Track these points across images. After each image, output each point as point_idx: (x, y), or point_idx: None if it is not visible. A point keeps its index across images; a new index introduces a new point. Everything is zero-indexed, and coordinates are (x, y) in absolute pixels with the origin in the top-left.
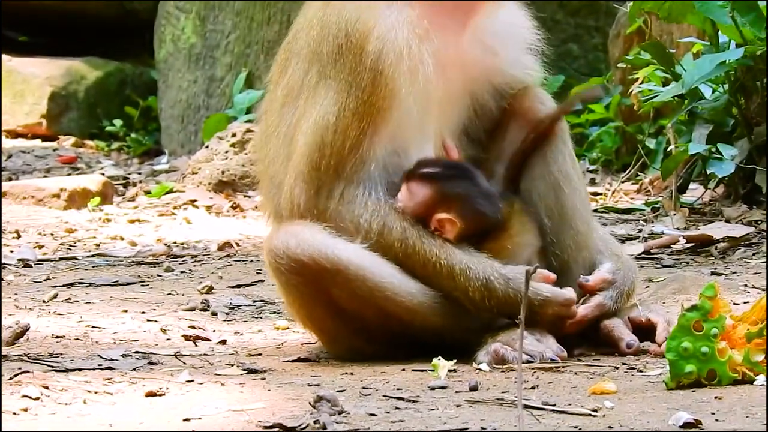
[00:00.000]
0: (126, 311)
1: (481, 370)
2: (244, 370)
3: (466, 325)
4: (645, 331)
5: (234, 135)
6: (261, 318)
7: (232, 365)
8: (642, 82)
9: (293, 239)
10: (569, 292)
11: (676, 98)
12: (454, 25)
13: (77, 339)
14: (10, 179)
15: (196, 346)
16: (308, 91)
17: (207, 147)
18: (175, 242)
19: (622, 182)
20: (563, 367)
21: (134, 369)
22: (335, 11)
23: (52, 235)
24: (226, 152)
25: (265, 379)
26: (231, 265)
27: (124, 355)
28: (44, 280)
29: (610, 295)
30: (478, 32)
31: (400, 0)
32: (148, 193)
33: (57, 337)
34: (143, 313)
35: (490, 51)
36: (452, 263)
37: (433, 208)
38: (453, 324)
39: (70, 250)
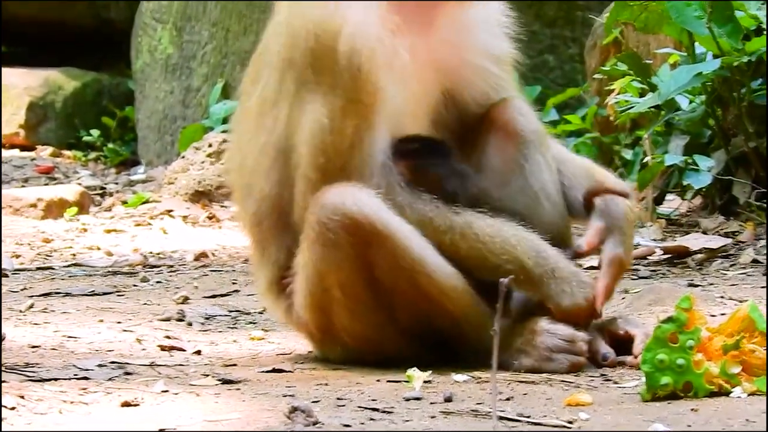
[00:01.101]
0: (102, 321)
1: (456, 381)
2: (219, 380)
3: (489, 320)
4: (623, 343)
5: (210, 145)
6: (236, 328)
7: (207, 375)
8: (618, 93)
9: (350, 197)
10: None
11: (652, 109)
12: (422, 21)
13: (53, 349)
14: None
15: (172, 356)
16: (288, 98)
17: (183, 157)
18: (151, 252)
19: None
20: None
21: (110, 379)
22: (299, 15)
23: (29, 244)
24: (203, 162)
25: (240, 389)
26: (207, 275)
27: (99, 365)
28: (21, 290)
29: (613, 242)
30: (449, 27)
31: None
32: (124, 203)
33: (33, 346)
34: (119, 323)
35: (461, 46)
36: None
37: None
38: (479, 313)
39: (47, 259)
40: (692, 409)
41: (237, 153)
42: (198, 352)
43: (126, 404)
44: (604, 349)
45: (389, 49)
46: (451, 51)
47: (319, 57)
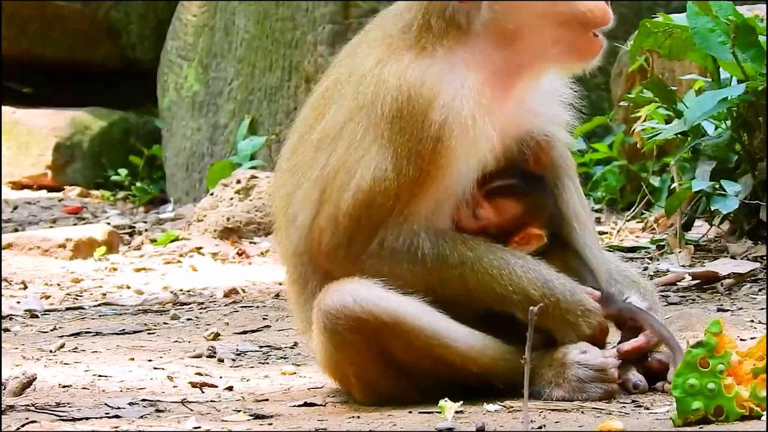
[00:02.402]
0: (133, 359)
1: (488, 411)
2: (251, 415)
3: (515, 365)
4: (655, 373)
5: (239, 182)
6: (267, 363)
7: (239, 411)
8: (645, 120)
9: (349, 297)
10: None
11: (678, 135)
12: (504, 89)
13: (84, 388)
14: (16, 230)
15: (203, 392)
16: (351, 141)
17: (212, 194)
18: (181, 290)
19: (627, 221)
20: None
21: (141, 417)
22: (395, 72)
23: (59, 285)
24: (231, 199)
25: (272, 424)
26: (237, 311)
27: (131, 403)
28: (51, 330)
29: (659, 319)
30: (523, 94)
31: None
32: (153, 241)
33: (64, 386)
34: (150, 360)
35: (532, 112)
36: (512, 270)
37: (525, 222)
38: (502, 363)
39: (77, 299)
40: None
41: (287, 180)
42: (229, 388)
43: None
44: (635, 377)
45: (480, 127)
46: (523, 119)
47: (406, 118)
